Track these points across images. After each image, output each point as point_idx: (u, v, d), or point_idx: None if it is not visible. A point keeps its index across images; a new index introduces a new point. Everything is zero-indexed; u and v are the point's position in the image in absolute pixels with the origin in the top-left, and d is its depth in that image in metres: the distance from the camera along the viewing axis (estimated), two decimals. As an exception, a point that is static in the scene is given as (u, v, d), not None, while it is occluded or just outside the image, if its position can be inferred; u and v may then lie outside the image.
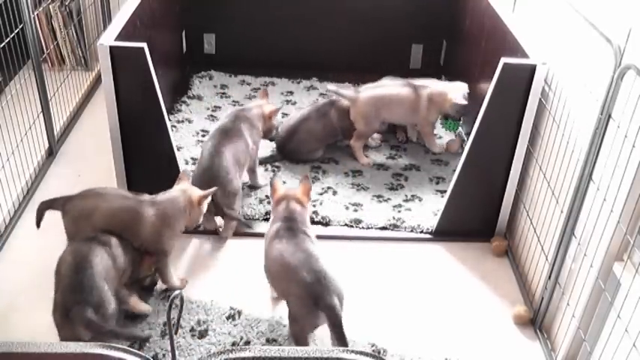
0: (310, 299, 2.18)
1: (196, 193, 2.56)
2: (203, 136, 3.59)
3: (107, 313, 2.19)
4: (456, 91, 3.35)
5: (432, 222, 3.08)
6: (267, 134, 3.27)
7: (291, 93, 4.16)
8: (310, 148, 3.46)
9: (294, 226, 2.40)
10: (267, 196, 3.19)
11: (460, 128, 3.74)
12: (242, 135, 3.03)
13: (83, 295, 2.15)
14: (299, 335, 2.30)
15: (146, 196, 2.55)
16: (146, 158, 2.82)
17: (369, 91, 3.47)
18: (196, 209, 2.56)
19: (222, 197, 2.81)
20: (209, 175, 2.82)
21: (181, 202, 2.53)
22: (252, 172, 3.22)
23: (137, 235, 2.47)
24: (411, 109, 3.43)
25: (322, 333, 2.48)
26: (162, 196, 2.55)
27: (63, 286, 2.20)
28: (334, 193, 3.26)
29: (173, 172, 2.78)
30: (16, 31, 3.16)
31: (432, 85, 3.45)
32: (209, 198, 2.60)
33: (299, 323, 2.27)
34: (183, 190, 2.57)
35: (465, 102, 3.31)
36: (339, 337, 2.14)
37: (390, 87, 3.48)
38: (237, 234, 2.97)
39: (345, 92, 3.48)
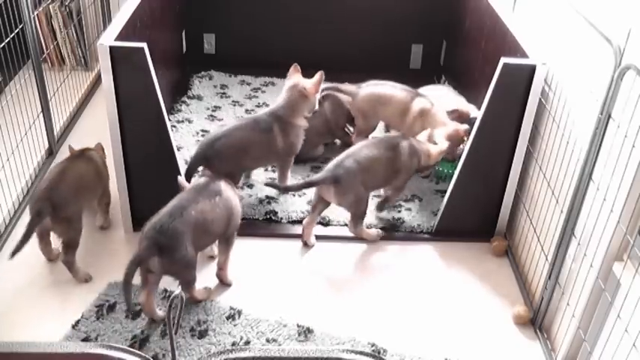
0: (323, 179, 2.82)
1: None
2: (203, 136, 3.58)
3: (175, 257, 2.36)
4: (441, 136, 3.15)
5: (431, 222, 3.08)
6: (310, 111, 3.10)
7: (291, 93, 4.16)
8: (311, 145, 3.46)
9: (389, 143, 2.97)
10: (267, 196, 3.19)
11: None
12: (270, 132, 2.98)
13: (159, 234, 2.33)
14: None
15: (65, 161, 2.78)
16: (146, 158, 2.81)
17: (370, 88, 3.47)
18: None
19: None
20: (203, 153, 2.92)
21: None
22: (281, 173, 3.15)
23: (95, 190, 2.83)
24: (400, 113, 3.37)
25: (322, 332, 2.48)
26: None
27: (160, 213, 2.41)
28: (334, 193, 3.26)
29: (173, 172, 2.77)
30: (16, 31, 3.16)
31: (435, 107, 3.28)
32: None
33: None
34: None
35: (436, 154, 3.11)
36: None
37: (389, 87, 3.46)
38: (238, 234, 2.96)
39: (345, 88, 3.50)
